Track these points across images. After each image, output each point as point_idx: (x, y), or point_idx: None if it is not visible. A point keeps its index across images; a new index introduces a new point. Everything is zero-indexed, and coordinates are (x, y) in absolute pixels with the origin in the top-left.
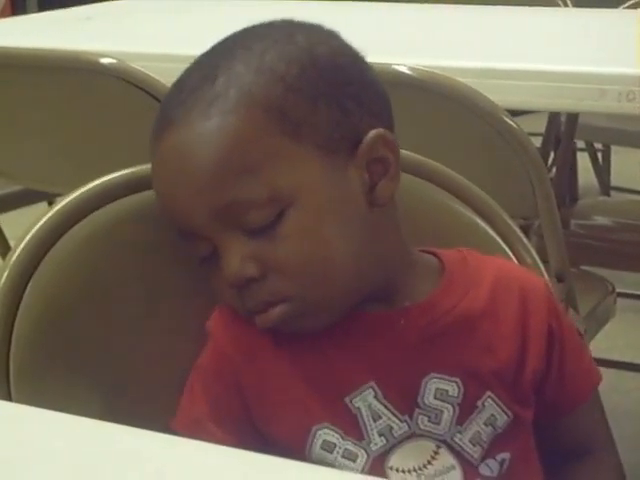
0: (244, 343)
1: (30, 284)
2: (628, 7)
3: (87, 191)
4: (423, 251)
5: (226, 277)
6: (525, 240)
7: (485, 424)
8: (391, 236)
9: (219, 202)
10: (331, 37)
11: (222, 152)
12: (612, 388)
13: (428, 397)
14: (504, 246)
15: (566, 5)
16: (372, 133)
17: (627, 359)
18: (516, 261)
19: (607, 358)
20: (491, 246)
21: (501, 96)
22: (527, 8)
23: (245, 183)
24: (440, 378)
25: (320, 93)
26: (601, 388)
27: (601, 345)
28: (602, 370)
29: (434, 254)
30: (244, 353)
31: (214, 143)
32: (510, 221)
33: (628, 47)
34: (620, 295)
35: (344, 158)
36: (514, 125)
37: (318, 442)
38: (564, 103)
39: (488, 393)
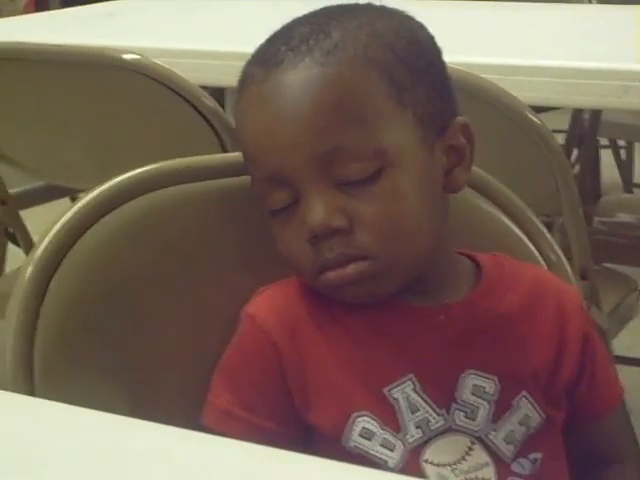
0: (288, 326)
1: (53, 280)
2: None
3: (110, 187)
4: (459, 253)
5: (310, 225)
6: (549, 237)
7: (519, 423)
8: (444, 228)
9: (324, 146)
10: (424, 26)
11: (336, 98)
12: (635, 385)
13: (465, 393)
14: (528, 243)
15: (590, 2)
16: (460, 119)
17: None
18: (541, 258)
19: (630, 356)
20: (515, 243)
21: (524, 93)
22: (551, 5)
23: (354, 132)
24: (477, 375)
25: (420, 70)
26: (624, 385)
27: (624, 343)
28: (624, 368)
29: (469, 256)
30: (287, 334)
31: (329, 88)
32: (534, 218)
33: None
34: None
35: (433, 136)
36: (538, 122)
37: (357, 429)
38: (587, 100)
39: (523, 393)
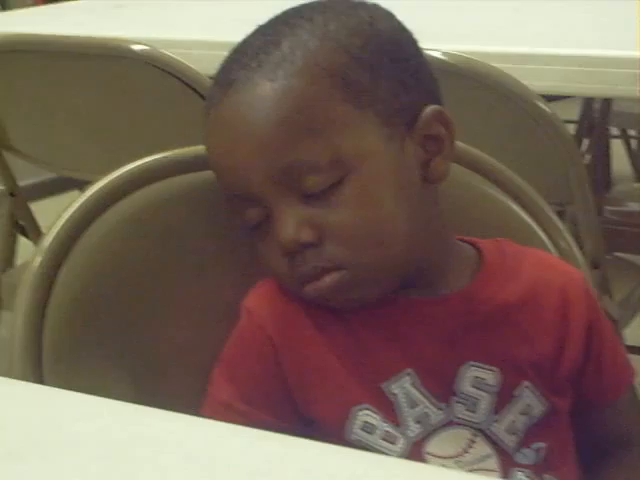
0: (283, 320)
1: (61, 270)
2: None
3: (117, 177)
4: (461, 240)
5: (281, 242)
6: (561, 225)
7: (521, 413)
8: (436, 219)
9: (279, 162)
10: (390, 15)
11: (286, 113)
12: None
13: (465, 385)
14: (539, 231)
15: None
16: (429, 109)
17: None
18: (552, 246)
19: None
20: (527, 231)
21: (535, 81)
22: None
23: (307, 145)
24: (477, 366)
25: (381, 65)
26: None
27: (635, 332)
28: (636, 357)
29: (471, 243)
30: (283, 330)
31: (279, 104)
32: (546, 206)
33: None
34: None
35: (402, 131)
36: (548, 110)
37: (358, 422)
38: (598, 88)
39: (525, 382)
